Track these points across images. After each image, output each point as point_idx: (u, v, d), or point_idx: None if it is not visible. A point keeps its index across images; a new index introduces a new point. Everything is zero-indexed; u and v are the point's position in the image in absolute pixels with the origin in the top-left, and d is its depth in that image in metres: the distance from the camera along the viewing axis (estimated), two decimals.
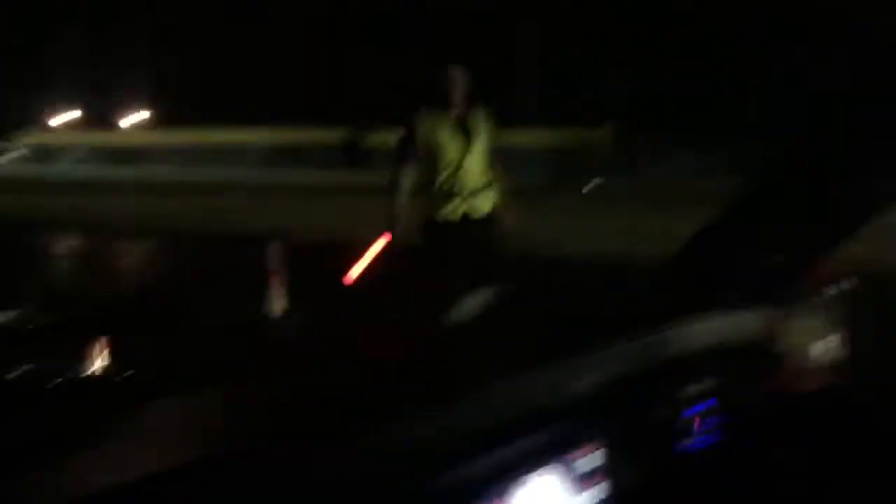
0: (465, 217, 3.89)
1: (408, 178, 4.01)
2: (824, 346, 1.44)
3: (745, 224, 1.40)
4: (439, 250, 3.93)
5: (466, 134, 4.01)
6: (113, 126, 27.04)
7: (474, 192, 3.91)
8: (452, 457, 1.02)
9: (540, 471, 1.11)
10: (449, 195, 3.87)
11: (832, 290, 1.41)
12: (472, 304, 3.15)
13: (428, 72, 4.30)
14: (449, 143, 3.94)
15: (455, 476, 1.01)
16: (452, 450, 1.02)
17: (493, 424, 1.06)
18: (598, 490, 1.17)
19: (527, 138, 16.82)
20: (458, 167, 3.89)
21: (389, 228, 3.94)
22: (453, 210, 3.87)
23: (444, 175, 3.88)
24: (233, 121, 22.67)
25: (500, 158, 4.06)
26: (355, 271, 3.93)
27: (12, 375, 1.21)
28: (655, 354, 1.21)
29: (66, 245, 10.25)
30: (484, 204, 3.93)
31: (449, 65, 4.22)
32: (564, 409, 1.13)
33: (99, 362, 1.33)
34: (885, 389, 1.74)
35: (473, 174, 3.91)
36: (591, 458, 1.16)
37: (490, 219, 3.96)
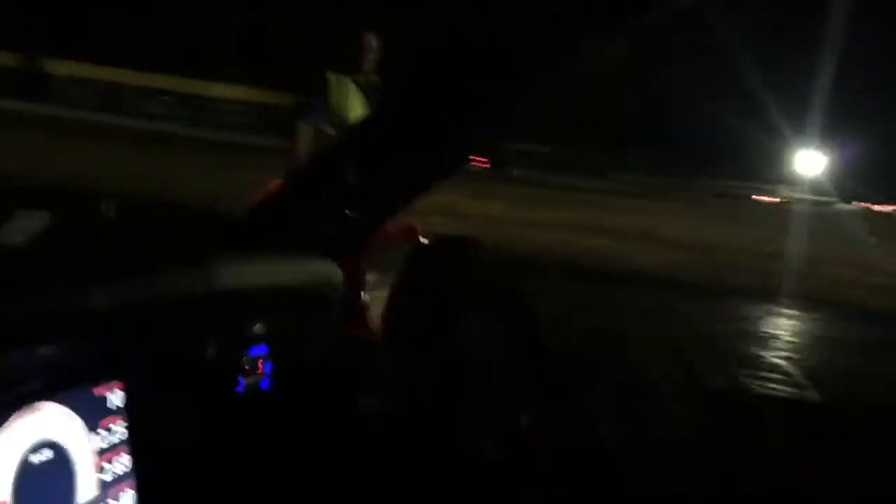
0: None
1: (307, 138, 3.88)
2: (381, 300, 1.50)
3: (322, 178, 1.41)
4: None
5: (373, 100, 3.98)
6: None
7: None
8: None
9: (49, 396, 1.02)
10: None
11: (395, 249, 1.46)
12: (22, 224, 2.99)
13: (342, 35, 4.18)
14: (357, 107, 3.85)
15: None
16: None
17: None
18: (121, 428, 1.11)
19: None
20: None
21: None
22: None
23: None
24: None
25: None
26: None
27: None
28: (199, 290, 1.16)
29: None
30: None
31: (362, 30, 4.12)
32: (93, 334, 1.05)
33: None
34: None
35: None
36: (116, 393, 1.10)
37: None
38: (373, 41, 4.09)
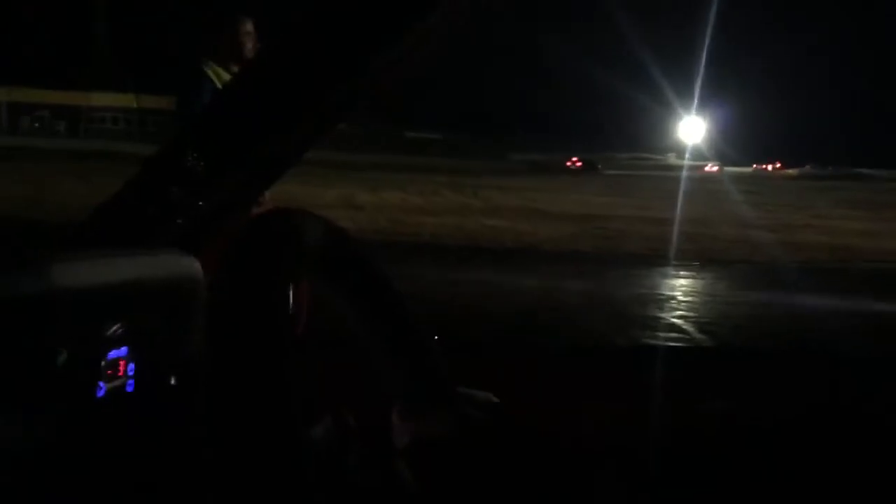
0: None
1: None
2: None
3: (167, 171, 1.36)
4: None
5: None
6: None
7: None
8: None
9: None
10: None
11: None
12: None
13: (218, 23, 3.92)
14: None
15: None
16: None
17: None
18: None
19: None
20: None
21: None
22: None
23: None
24: None
25: None
26: None
27: None
28: (29, 293, 1.10)
29: None
30: None
31: (239, 17, 3.88)
32: None
33: None
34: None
35: None
36: None
37: None
38: (249, 27, 3.90)
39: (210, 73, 3.85)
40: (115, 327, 1.28)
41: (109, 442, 1.26)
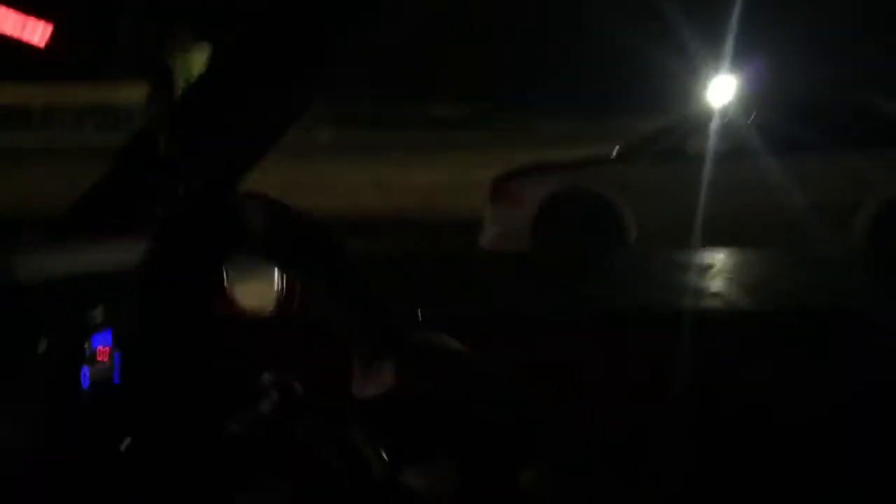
0: None
1: None
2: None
3: (142, 158, 1.38)
4: None
5: None
6: None
7: None
8: None
9: None
10: None
11: None
12: None
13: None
14: None
15: None
16: None
17: None
18: None
19: None
20: None
21: None
22: None
23: None
24: None
25: None
26: None
27: None
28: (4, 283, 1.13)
29: None
30: None
31: None
32: None
33: None
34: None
35: None
36: None
37: None
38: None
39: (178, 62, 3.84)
40: (96, 312, 1.30)
41: (97, 434, 1.27)
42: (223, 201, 1.10)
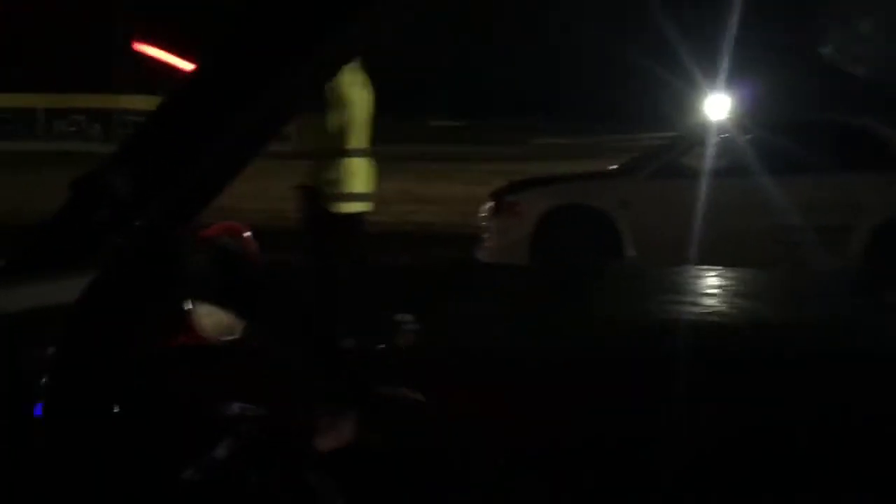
0: None
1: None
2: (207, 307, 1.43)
3: (91, 196, 1.34)
4: None
5: None
6: None
7: None
8: None
9: None
10: None
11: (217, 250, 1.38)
12: None
13: None
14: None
15: None
16: None
17: None
18: None
19: None
20: None
21: None
22: None
23: None
24: None
25: None
26: None
27: None
28: None
29: None
30: None
31: None
32: None
33: None
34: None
35: None
36: None
37: None
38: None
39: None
40: (49, 350, 1.26)
41: (49, 462, 1.24)
42: (166, 242, 1.06)
